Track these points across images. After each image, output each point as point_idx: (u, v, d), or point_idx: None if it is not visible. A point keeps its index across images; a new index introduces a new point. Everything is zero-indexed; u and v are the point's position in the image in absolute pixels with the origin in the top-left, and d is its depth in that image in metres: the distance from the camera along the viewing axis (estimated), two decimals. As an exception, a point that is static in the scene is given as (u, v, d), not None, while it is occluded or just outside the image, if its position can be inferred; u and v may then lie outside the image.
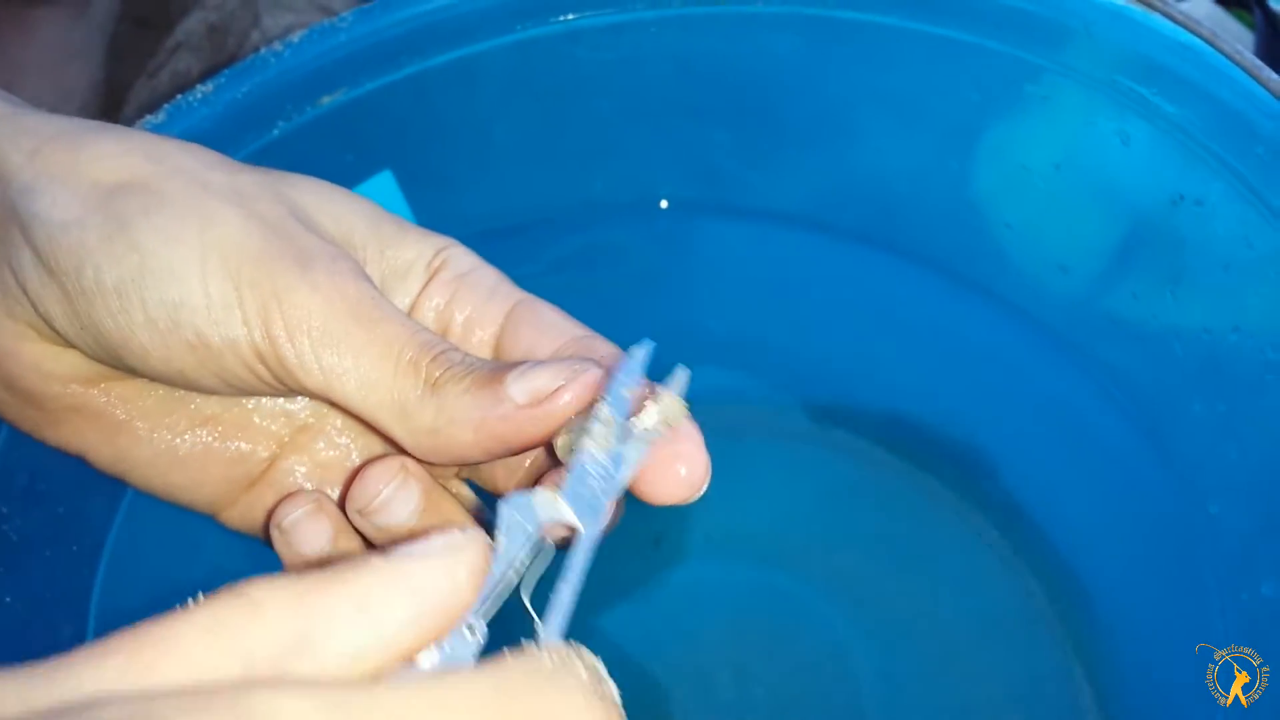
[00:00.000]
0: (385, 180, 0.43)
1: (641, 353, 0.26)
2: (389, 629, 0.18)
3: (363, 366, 0.26)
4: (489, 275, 0.30)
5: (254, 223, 0.26)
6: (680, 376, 0.26)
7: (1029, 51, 0.39)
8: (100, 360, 0.28)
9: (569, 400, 0.25)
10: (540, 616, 0.21)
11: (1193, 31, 0.37)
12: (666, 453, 0.26)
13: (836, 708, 0.45)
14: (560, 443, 0.26)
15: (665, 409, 0.26)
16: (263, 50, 0.41)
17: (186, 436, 0.30)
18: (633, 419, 0.25)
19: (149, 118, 0.40)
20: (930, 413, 0.48)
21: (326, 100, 0.41)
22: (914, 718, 0.45)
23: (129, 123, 0.44)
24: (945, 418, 0.48)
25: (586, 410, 0.25)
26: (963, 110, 0.41)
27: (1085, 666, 0.44)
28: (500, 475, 0.31)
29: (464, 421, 0.25)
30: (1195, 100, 0.37)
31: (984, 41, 0.40)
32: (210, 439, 0.30)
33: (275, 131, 0.41)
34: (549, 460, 0.29)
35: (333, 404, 0.27)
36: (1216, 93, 0.36)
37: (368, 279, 0.27)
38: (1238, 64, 0.36)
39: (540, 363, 0.26)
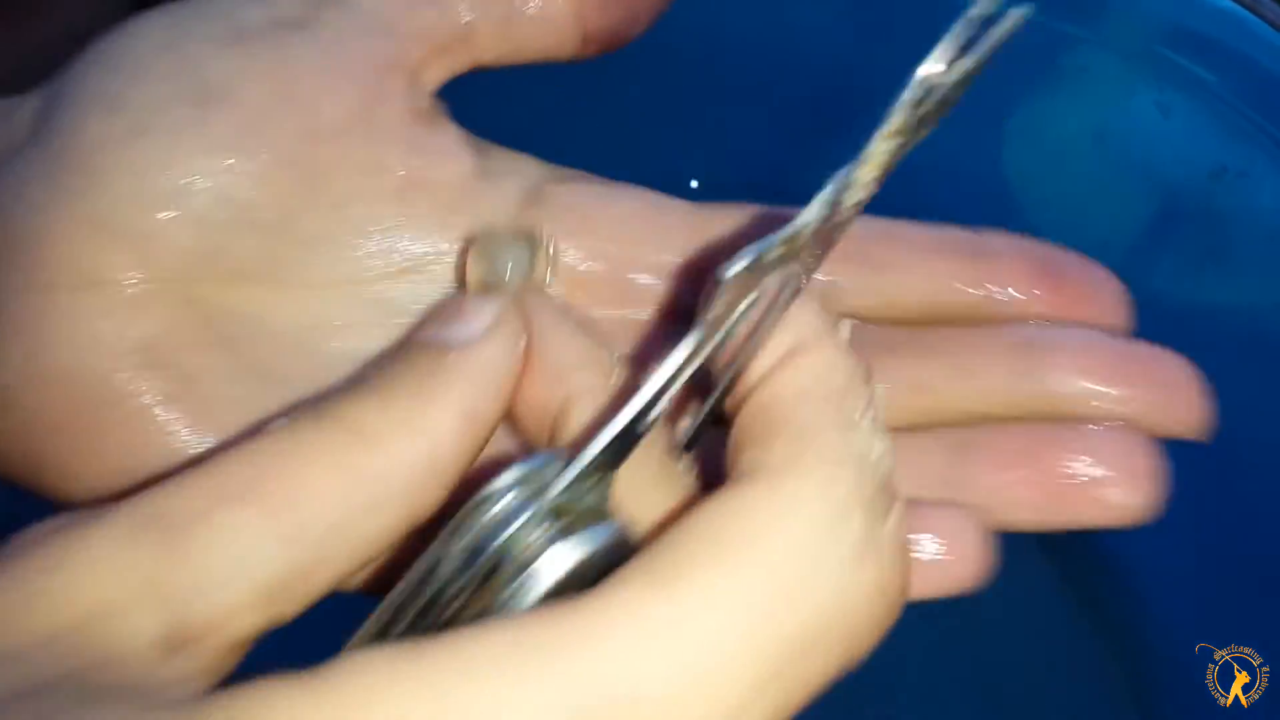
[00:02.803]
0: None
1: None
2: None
3: None
4: None
5: None
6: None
7: (1064, 21, 0.38)
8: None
9: None
10: None
11: (1235, -2, 0.36)
12: None
13: (873, 692, 0.44)
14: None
15: None
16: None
17: None
18: None
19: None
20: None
21: (345, 80, 0.40)
22: (948, 707, 0.44)
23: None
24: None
25: None
26: (996, 84, 0.40)
27: (1126, 660, 0.44)
28: None
29: None
30: (1237, 69, 0.36)
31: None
32: None
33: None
34: None
35: None
36: (1260, 61, 0.35)
37: None
38: (1283, 31, 0.35)
39: None
